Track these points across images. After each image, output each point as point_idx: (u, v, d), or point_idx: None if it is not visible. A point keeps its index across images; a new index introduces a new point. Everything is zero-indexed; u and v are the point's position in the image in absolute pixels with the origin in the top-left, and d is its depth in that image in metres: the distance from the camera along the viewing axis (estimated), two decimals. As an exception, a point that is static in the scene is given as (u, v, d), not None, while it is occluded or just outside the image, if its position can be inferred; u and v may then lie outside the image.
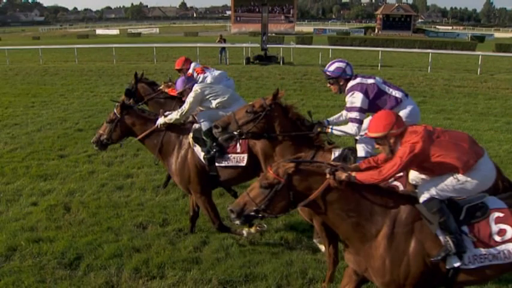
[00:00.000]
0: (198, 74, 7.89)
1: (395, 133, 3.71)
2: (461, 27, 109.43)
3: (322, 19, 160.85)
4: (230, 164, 5.93)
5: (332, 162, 3.91)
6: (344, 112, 5.24)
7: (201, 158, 5.98)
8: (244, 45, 30.55)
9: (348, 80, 5.15)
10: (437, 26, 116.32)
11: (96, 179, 8.52)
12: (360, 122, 4.94)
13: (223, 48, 28.54)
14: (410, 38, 53.43)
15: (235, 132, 4.89)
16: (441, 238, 3.63)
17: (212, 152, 5.85)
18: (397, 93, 5.07)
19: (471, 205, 3.75)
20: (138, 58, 30.74)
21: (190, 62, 8.42)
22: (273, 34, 50.39)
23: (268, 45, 28.24)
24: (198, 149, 6.01)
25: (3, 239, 6.13)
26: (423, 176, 3.87)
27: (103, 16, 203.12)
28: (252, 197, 3.65)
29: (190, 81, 6.56)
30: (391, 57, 30.44)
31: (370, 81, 5.08)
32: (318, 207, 3.72)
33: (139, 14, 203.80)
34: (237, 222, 3.72)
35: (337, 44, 41.26)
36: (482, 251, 3.64)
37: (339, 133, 5.11)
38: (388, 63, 27.23)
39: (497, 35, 78.29)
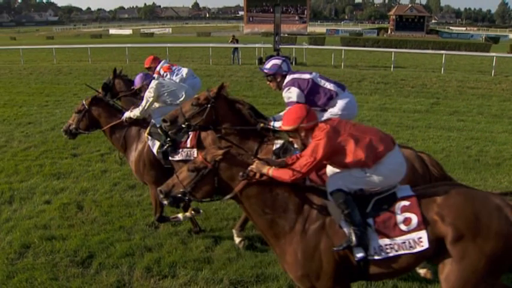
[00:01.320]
0: (164, 72, 8.19)
1: (305, 127, 3.82)
2: (475, 28, 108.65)
3: (334, 20, 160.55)
4: (182, 158, 6.05)
5: (260, 157, 4.06)
6: None
7: (155, 151, 6.18)
8: (256, 45, 30.53)
9: (284, 76, 5.37)
10: (450, 27, 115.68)
11: (108, 178, 8.57)
12: None
13: (235, 49, 28.56)
14: (423, 39, 53.10)
15: (183, 125, 5.07)
16: (345, 230, 3.66)
17: (165, 146, 6.03)
18: (332, 87, 5.27)
19: (380, 197, 3.77)
20: (151, 58, 30.79)
21: (159, 61, 8.69)
22: (286, 35, 50.33)
23: (280, 46, 28.19)
24: (152, 142, 6.22)
25: (17, 236, 6.19)
26: (334, 169, 3.94)
27: (116, 16, 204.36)
28: (181, 179, 3.81)
29: (148, 78, 6.86)
30: (404, 58, 30.26)
31: (305, 76, 5.31)
32: (239, 200, 3.85)
33: (152, 14, 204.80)
34: (165, 202, 3.85)
35: (350, 45, 41.08)
36: (387, 241, 3.64)
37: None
38: (401, 64, 27.07)
39: (512, 36, 77.70)
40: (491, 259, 3.47)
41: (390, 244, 3.64)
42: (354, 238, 3.58)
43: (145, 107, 6.28)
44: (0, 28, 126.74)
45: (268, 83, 5.65)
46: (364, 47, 40.49)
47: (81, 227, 6.56)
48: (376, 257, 3.65)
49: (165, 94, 6.40)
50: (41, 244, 5.98)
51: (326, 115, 5.19)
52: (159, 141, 6.13)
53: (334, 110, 5.25)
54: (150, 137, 6.25)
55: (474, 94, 17.42)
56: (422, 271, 5.07)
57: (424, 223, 3.57)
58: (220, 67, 25.29)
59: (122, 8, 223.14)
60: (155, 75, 7.51)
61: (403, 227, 3.61)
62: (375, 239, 3.65)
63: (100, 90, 7.34)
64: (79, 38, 67.96)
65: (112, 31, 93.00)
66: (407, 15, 78.06)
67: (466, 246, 3.48)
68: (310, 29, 77.60)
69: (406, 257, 3.63)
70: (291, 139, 4.23)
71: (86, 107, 6.43)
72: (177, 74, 8.08)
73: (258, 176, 3.75)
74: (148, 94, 6.29)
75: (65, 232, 6.35)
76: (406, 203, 3.67)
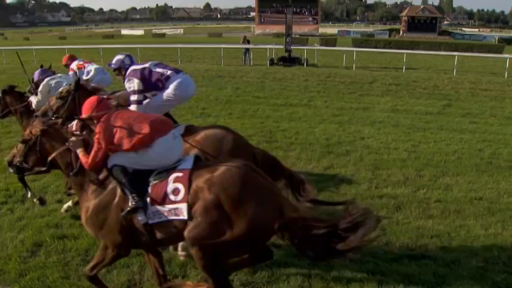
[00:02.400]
0: (79, 69, 8.85)
1: (96, 116, 4.40)
2: (488, 30, 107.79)
3: (346, 21, 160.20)
4: None
5: (79, 134, 4.70)
6: None
7: None
8: (268, 46, 30.53)
9: (128, 70, 5.97)
10: (463, 28, 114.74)
11: (120, 177, 8.59)
12: (139, 102, 5.74)
13: (247, 50, 28.59)
14: (435, 41, 52.78)
15: (52, 118, 5.51)
16: (128, 196, 4.16)
17: None
18: (166, 72, 5.85)
19: (164, 168, 4.22)
20: (163, 58, 30.77)
21: (74, 59, 9.37)
22: (297, 35, 50.26)
23: (292, 47, 28.20)
24: None
25: (29, 235, 6.23)
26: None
27: (128, 17, 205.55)
28: (18, 150, 4.55)
29: (45, 73, 7.83)
30: (416, 59, 30.13)
31: (142, 66, 5.91)
32: (60, 168, 4.57)
33: (163, 14, 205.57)
34: (11, 170, 4.67)
35: (362, 46, 40.98)
36: (158, 208, 4.09)
37: None
38: (413, 65, 26.95)
39: (525, 37, 76.88)
40: (234, 237, 3.86)
41: (160, 211, 4.09)
42: (130, 204, 4.10)
43: (39, 101, 7.18)
44: (14, 28, 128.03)
45: (117, 77, 6.22)
46: (376, 48, 40.29)
47: (92, 227, 6.58)
48: (150, 221, 4.11)
49: (57, 89, 6.93)
50: (52, 243, 6.02)
51: (164, 96, 5.81)
52: None
53: (169, 91, 5.79)
54: None
55: (487, 96, 17.30)
56: (180, 253, 5.48)
57: (189, 194, 3.98)
58: (231, 68, 25.32)
59: (133, 8, 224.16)
60: (70, 72, 8.56)
61: (172, 196, 4.04)
62: (149, 206, 4.11)
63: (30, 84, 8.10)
64: (91, 39, 68.32)
65: (124, 31, 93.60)
66: (420, 16, 77.74)
67: (219, 216, 3.87)
68: (321, 30, 77.52)
69: (179, 222, 4.04)
70: (93, 127, 4.68)
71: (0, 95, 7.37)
72: (87, 72, 8.69)
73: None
74: (40, 89, 7.28)
75: (77, 231, 6.37)
76: (179, 174, 4.10)
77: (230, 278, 5.21)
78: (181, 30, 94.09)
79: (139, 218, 4.12)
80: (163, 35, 76.30)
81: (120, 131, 4.22)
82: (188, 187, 3.99)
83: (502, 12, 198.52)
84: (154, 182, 4.16)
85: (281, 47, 28.82)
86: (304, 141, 10.83)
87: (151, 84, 5.78)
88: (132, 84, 5.76)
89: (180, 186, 4.02)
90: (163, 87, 5.80)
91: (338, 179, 8.35)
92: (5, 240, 6.12)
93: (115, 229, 4.23)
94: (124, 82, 5.98)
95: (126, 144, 4.19)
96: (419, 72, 24.25)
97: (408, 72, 23.96)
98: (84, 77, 8.37)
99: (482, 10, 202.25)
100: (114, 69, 6.16)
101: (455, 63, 24.09)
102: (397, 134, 11.53)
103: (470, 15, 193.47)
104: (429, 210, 7.07)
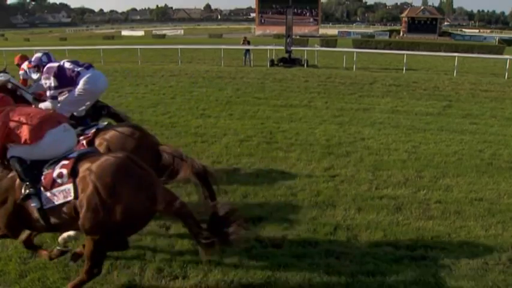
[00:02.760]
0: (29, 68, 8.98)
1: None
2: (489, 31, 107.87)
3: (346, 22, 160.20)
4: None
5: None
6: None
7: None
8: (268, 47, 30.52)
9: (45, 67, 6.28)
10: (463, 29, 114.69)
11: (120, 178, 8.58)
12: (54, 97, 6.11)
13: (247, 50, 28.58)
14: (436, 41, 52.85)
15: None
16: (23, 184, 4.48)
17: None
18: (77, 68, 6.19)
19: (59, 158, 4.54)
20: (163, 59, 30.94)
21: (26, 59, 9.44)
22: (297, 36, 50.27)
23: (292, 48, 28.19)
24: None
25: (29, 236, 6.22)
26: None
27: (128, 17, 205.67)
28: None
29: None
30: (416, 60, 30.12)
31: (56, 64, 6.25)
32: None
33: (164, 15, 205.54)
34: None
35: (362, 47, 40.97)
36: (49, 193, 4.38)
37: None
38: (413, 66, 26.95)
39: (525, 38, 76.85)
40: (114, 223, 4.19)
41: (51, 195, 4.38)
42: (23, 191, 4.43)
43: None
44: (14, 29, 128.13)
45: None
46: (376, 49, 40.35)
47: (93, 227, 6.57)
48: (46, 206, 4.40)
49: None
50: (53, 244, 5.99)
51: (76, 91, 6.12)
52: None
53: (79, 86, 6.11)
54: None
55: (487, 97, 17.29)
56: (60, 239, 5.53)
57: (73, 178, 4.31)
58: (232, 69, 25.31)
59: (134, 9, 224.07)
60: (20, 72, 8.85)
61: (58, 180, 4.37)
62: (43, 192, 4.40)
63: None
64: (91, 39, 68.32)
65: (124, 32, 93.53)
66: (420, 17, 77.73)
67: (99, 203, 4.17)
68: (321, 31, 77.51)
69: (69, 206, 4.32)
70: None
71: None
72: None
73: None
74: None
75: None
76: (65, 161, 4.45)
77: (230, 279, 5.24)
78: (182, 31, 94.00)
79: (33, 204, 4.41)
80: (164, 35, 76.28)
81: (15, 126, 4.56)
82: (71, 172, 4.33)
83: (503, 13, 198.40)
84: (47, 171, 4.47)
85: (281, 47, 28.82)
86: (305, 142, 10.83)
87: (65, 81, 6.09)
88: (48, 80, 6.09)
89: (64, 171, 4.36)
90: (75, 83, 6.11)
91: (338, 180, 8.35)
92: (5, 241, 6.09)
93: (9, 213, 4.58)
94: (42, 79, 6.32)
95: (20, 138, 4.52)
96: (420, 73, 24.25)
97: (408, 73, 23.97)
98: (34, 76, 8.68)
99: (483, 11, 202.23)
100: (33, 67, 6.70)
101: (456, 64, 24.09)
102: (398, 135, 11.54)
103: (470, 16, 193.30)
104: (429, 211, 7.08)
